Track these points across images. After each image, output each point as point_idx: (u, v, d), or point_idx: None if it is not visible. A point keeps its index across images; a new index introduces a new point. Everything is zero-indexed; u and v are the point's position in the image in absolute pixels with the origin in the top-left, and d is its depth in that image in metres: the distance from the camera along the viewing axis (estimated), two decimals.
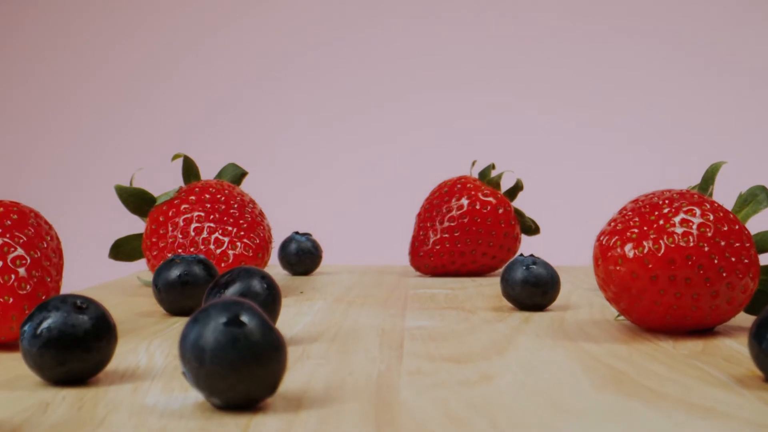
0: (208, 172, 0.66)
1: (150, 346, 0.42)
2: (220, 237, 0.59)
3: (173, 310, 0.51)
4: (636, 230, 0.43)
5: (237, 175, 0.66)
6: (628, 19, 1.29)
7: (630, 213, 0.45)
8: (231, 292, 0.41)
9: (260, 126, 1.37)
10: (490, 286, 0.67)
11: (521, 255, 0.54)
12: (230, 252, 0.58)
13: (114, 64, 1.47)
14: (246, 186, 0.67)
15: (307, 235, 0.75)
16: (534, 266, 0.53)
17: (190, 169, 0.64)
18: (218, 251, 0.58)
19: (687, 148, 1.27)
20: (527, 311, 0.53)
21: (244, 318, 0.29)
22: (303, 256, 0.73)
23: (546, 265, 0.54)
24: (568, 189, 1.25)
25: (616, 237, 0.44)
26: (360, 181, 1.27)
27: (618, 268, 0.43)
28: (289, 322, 0.49)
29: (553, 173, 1.24)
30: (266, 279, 0.42)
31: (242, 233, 0.59)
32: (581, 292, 0.62)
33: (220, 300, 0.30)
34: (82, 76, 1.51)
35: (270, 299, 0.41)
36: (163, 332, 0.46)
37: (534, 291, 0.53)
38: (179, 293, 0.50)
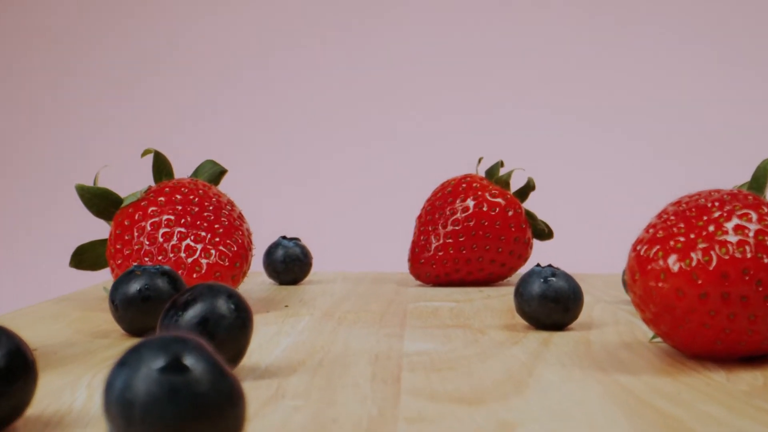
0: (186, 172, 0.58)
1: (93, 380, 0.35)
2: (192, 244, 0.51)
3: (133, 330, 0.44)
4: (681, 239, 0.36)
5: (215, 173, 0.58)
6: (650, 14, 1.20)
7: (673, 218, 0.37)
8: (190, 315, 0.34)
9: (245, 121, 1.25)
10: (500, 297, 0.59)
11: (538, 265, 0.47)
12: (203, 261, 0.51)
13: (87, 57, 1.39)
14: (228, 186, 0.59)
15: (295, 240, 0.67)
16: (553, 278, 0.46)
17: (161, 167, 0.57)
18: (190, 260, 0.51)
19: (713, 148, 1.18)
20: (545, 330, 0.46)
21: (188, 361, 0.22)
22: (290, 264, 0.66)
23: (567, 277, 0.46)
24: (581, 189, 1.16)
25: (658, 247, 0.36)
26: (354, 181, 1.14)
27: (660, 284, 0.36)
28: (266, 345, 0.42)
29: (564, 172, 1.14)
30: (234, 298, 0.34)
31: (217, 239, 0.51)
32: (603, 306, 0.55)
33: (155, 336, 0.23)
34: (56, 71, 1.43)
35: (238, 323, 0.34)
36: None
37: (554, 307, 0.45)
38: (139, 310, 0.43)
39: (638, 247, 0.37)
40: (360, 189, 1.13)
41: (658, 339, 0.42)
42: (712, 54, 1.21)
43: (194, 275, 0.50)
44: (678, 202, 0.39)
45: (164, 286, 0.43)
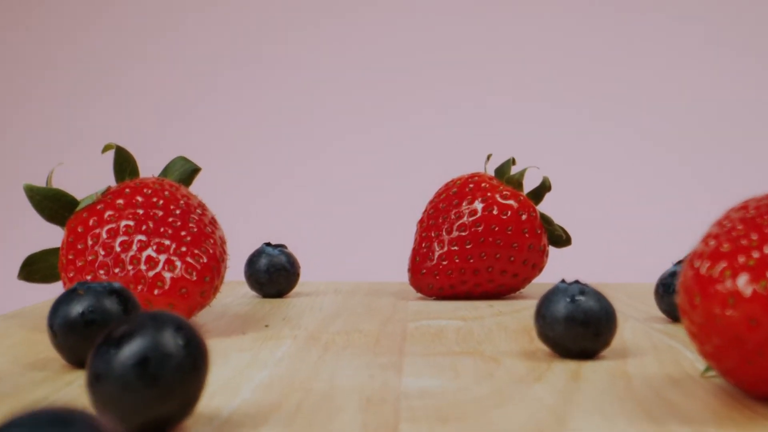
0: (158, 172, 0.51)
1: None
2: (154, 254, 0.44)
3: (75, 361, 0.37)
4: (755, 254, 0.28)
5: (186, 171, 0.51)
6: (677, 9, 1.11)
7: (740, 226, 0.30)
8: (126, 354, 0.26)
9: (226, 116, 1.12)
10: (513, 314, 0.52)
11: (563, 282, 0.40)
12: (166, 275, 0.43)
13: (56, 51, 1.30)
14: (205, 187, 0.52)
15: (280, 247, 0.60)
16: (581, 297, 0.38)
17: (124, 164, 0.49)
18: (151, 273, 0.43)
19: (751, 148, 1.10)
20: (573, 359, 0.38)
21: None
22: (275, 274, 0.58)
23: (597, 296, 0.39)
24: (595, 190, 1.06)
25: (724, 264, 0.29)
26: (347, 181, 1.02)
27: (728, 311, 0.28)
28: (234, 382, 0.34)
29: (577, 171, 1.05)
30: (183, 331, 0.27)
31: (184, 249, 0.44)
32: (634, 326, 0.47)
33: (32, 411, 0.15)
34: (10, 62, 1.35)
35: (188, 364, 0.26)
36: (48, 398, 0.32)
37: (582, 332, 0.38)
38: (82, 337, 0.36)
39: (697, 263, 0.30)
40: (354, 190, 0.99)
41: (712, 373, 0.34)
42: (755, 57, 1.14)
43: (156, 291, 0.43)
44: (744, 207, 0.31)
45: (113, 308, 0.36)
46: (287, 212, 0.94)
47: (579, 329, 0.38)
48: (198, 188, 0.52)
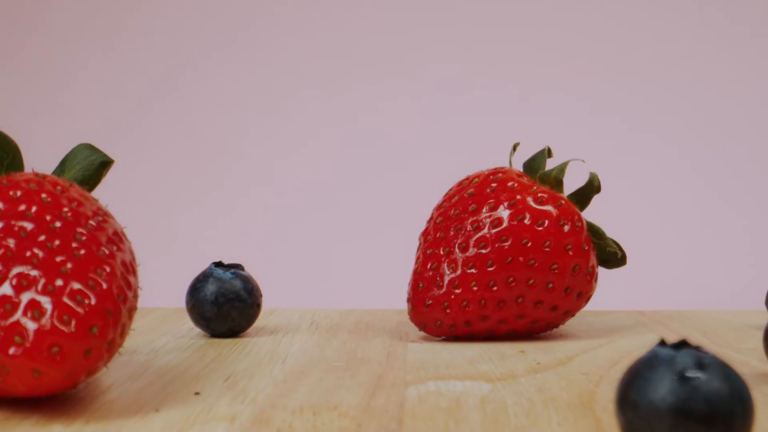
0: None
1: None
2: (11, 292, 0.28)
3: None
4: None
5: (93, 165, 0.36)
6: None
7: None
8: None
9: (183, 104, 0.84)
10: (559, 369, 0.36)
11: (662, 343, 0.24)
12: (29, 325, 0.28)
13: None
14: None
15: (235, 267, 0.44)
16: (699, 375, 0.23)
17: (2, 153, 0.34)
18: (5, 323, 0.28)
19: None
20: None
21: None
22: (226, 306, 0.43)
23: (724, 372, 0.23)
24: (647, 194, 0.83)
25: None
26: (329, 180, 0.76)
27: None
28: None
29: (625, 168, 0.82)
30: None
31: (60, 283, 0.28)
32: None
33: None
34: None
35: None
36: None
37: (699, 431, 0.22)
38: None
39: None
40: (336, 192, 0.72)
41: None
42: None
43: (11, 350, 0.27)
44: None
45: None
46: (249, 223, 0.74)
47: (696, 427, 0.22)
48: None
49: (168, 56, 0.79)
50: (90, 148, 0.36)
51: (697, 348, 0.24)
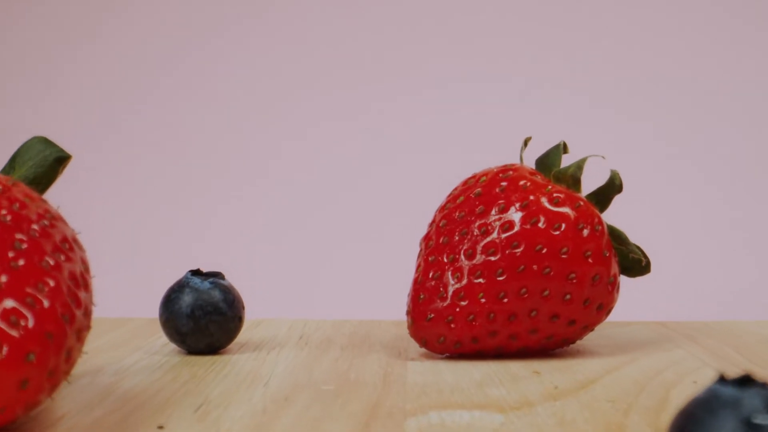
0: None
1: None
2: None
3: None
4: None
5: (45, 161, 0.31)
6: None
7: None
8: None
9: (162, 99, 0.78)
10: (579, 392, 0.32)
11: (721, 379, 0.19)
12: None
13: None
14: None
15: (214, 276, 0.40)
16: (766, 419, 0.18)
17: None
18: None
19: None
20: None
21: None
22: (203, 319, 0.38)
23: None
24: (665, 195, 0.75)
25: None
26: (321, 178, 0.70)
27: None
28: None
29: (639, 167, 0.73)
30: None
31: None
32: None
33: None
34: None
35: None
36: None
37: None
38: None
39: None
40: (329, 191, 0.67)
41: None
42: None
43: None
44: None
45: None
46: (237, 225, 0.68)
47: None
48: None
49: (150, 56, 0.74)
50: (44, 141, 0.32)
51: (765, 385, 0.19)
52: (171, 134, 0.72)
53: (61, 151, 0.31)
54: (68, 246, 0.27)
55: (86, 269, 0.27)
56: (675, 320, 0.49)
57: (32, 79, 0.75)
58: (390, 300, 0.48)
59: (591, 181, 0.41)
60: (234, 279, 0.41)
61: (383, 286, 0.51)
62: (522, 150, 0.41)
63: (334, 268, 0.66)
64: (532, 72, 0.74)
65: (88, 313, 0.27)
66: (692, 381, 0.34)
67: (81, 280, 0.26)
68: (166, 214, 0.68)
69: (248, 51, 0.74)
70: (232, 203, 0.71)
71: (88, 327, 0.27)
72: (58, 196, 0.31)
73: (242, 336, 0.43)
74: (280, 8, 0.75)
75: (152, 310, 0.47)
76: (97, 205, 0.59)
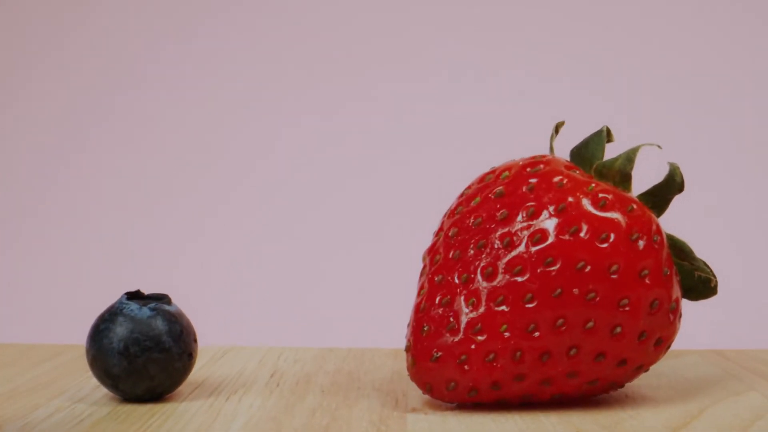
0: None
1: None
2: None
3: None
4: None
5: None
6: None
7: None
8: None
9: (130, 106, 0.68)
10: None
11: None
12: None
13: None
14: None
15: (157, 301, 0.31)
16: None
17: None
18: None
19: None
20: None
21: None
22: (141, 357, 0.29)
23: None
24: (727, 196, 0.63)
25: None
26: (305, 181, 0.58)
27: None
28: None
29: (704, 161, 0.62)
30: None
31: None
32: None
33: None
34: None
35: None
36: None
37: None
38: None
39: None
40: (314, 193, 0.58)
41: None
42: None
43: None
44: None
45: None
46: (195, 233, 0.57)
47: None
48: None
49: (120, 56, 0.65)
50: None
51: None
52: (118, 138, 0.63)
53: None
54: None
55: None
56: (733, 348, 0.40)
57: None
58: (387, 323, 0.39)
59: (638, 178, 0.32)
60: (189, 301, 0.32)
61: (378, 307, 0.42)
62: (552, 138, 0.32)
63: (319, 284, 0.57)
64: (546, 64, 0.64)
65: None
66: None
67: None
68: (113, 221, 0.58)
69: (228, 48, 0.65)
70: (188, 204, 0.61)
71: None
72: None
73: (199, 372, 0.34)
74: (280, 8, 0.66)
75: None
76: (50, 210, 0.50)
